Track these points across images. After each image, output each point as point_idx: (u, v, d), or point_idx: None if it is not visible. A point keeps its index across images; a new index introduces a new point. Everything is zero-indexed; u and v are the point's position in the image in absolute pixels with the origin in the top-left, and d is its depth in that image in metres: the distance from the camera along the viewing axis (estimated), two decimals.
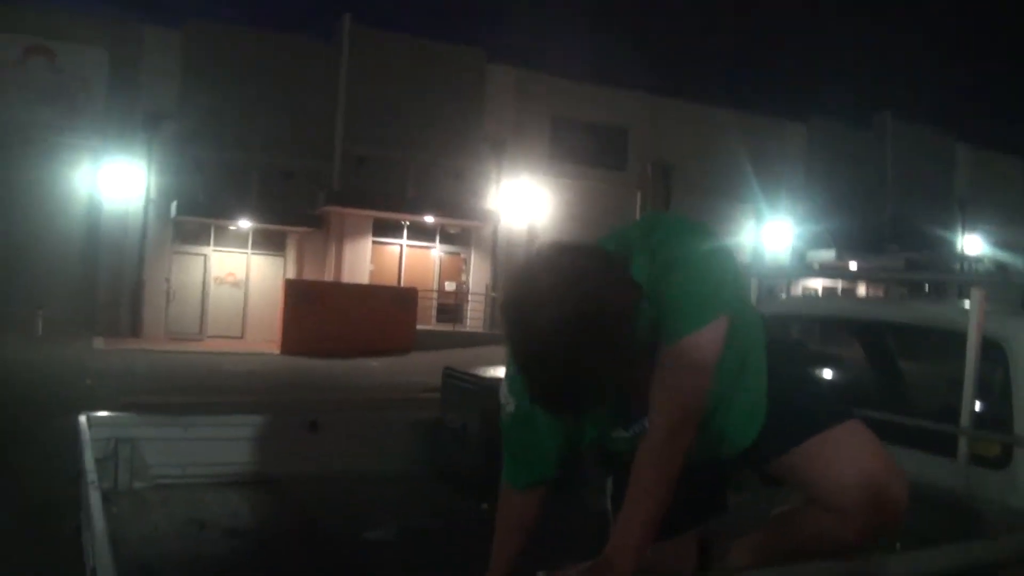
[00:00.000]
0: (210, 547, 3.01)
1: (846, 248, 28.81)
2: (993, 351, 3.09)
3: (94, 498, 2.41)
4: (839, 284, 24.46)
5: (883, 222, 31.52)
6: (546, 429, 2.17)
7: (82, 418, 3.52)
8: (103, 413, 3.73)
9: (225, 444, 3.85)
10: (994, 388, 3.12)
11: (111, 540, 2.06)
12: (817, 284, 21.37)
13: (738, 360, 2.15)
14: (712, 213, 24.77)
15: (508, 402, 2.18)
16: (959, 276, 3.67)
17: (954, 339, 3.10)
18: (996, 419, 3.08)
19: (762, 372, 2.25)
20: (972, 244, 31.63)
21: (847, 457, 2.22)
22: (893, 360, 4.04)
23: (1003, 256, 29.63)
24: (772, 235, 29.73)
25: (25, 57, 21.68)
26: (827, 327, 4.57)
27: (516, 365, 1.88)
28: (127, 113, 22.35)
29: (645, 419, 2.06)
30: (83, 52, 22.19)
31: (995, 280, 2.89)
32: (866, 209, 31.00)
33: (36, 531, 4.97)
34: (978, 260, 30.81)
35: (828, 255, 28.86)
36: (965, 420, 3.00)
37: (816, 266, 25.50)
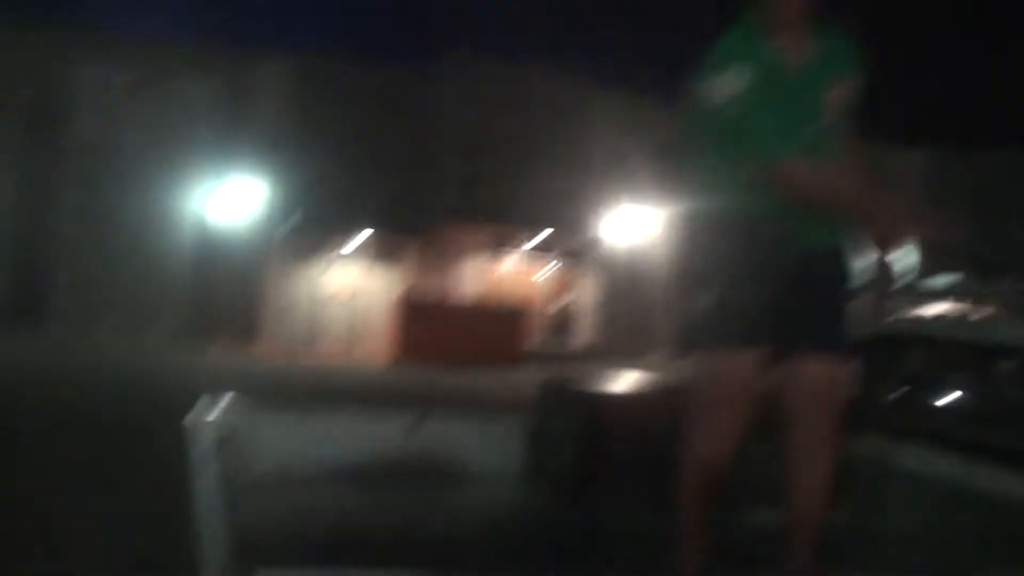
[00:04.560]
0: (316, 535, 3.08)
1: None
2: None
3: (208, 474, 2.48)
4: None
5: None
6: None
7: (198, 407, 3.65)
8: (225, 398, 3.86)
9: (332, 438, 3.93)
10: None
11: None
12: None
13: None
14: None
15: None
16: None
17: None
18: None
19: None
20: None
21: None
22: None
23: None
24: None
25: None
26: None
27: None
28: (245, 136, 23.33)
29: None
30: (195, 82, 23.16)
31: None
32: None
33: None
34: None
35: None
36: None
37: None
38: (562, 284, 26.25)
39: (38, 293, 21.27)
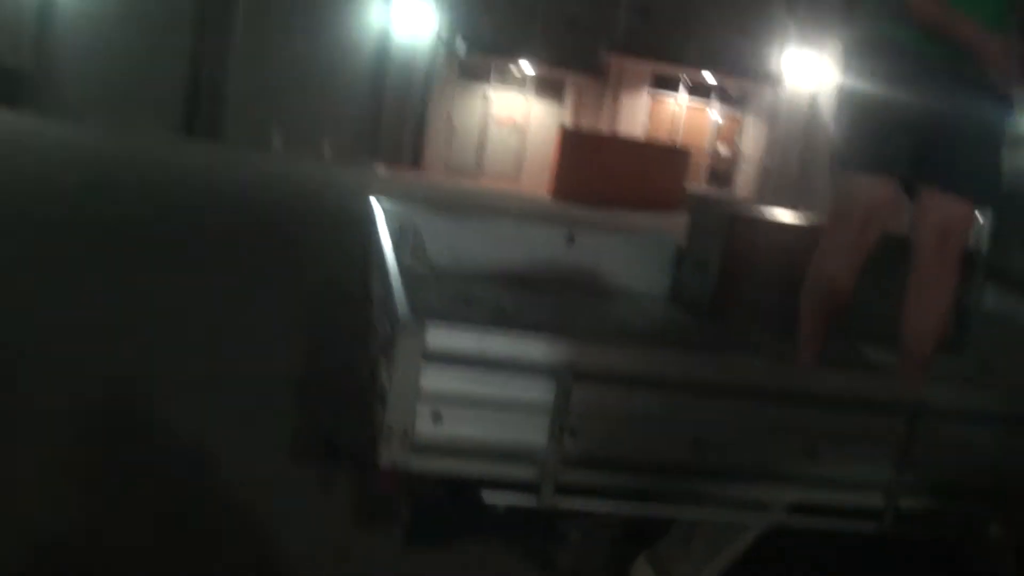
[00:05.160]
0: (476, 318, 3.41)
1: None
2: None
3: (390, 262, 2.78)
4: None
5: None
6: None
7: (373, 199, 3.97)
8: (393, 199, 4.14)
9: (492, 242, 4.24)
10: None
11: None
12: None
13: None
14: None
15: None
16: None
17: None
18: None
19: None
20: None
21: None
22: None
23: None
24: None
25: None
26: None
27: None
28: None
29: None
30: None
31: None
32: None
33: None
34: None
35: None
36: None
37: None
38: (727, 130, 25.68)
39: (212, 108, 22.17)
